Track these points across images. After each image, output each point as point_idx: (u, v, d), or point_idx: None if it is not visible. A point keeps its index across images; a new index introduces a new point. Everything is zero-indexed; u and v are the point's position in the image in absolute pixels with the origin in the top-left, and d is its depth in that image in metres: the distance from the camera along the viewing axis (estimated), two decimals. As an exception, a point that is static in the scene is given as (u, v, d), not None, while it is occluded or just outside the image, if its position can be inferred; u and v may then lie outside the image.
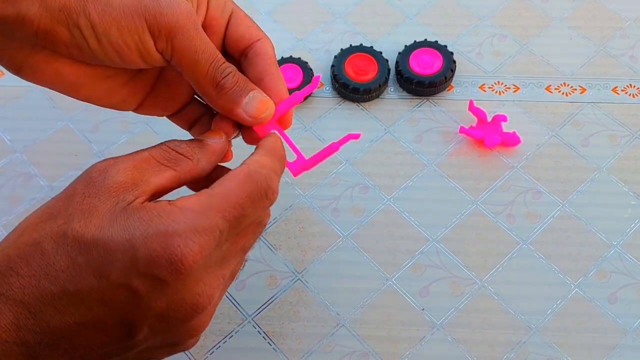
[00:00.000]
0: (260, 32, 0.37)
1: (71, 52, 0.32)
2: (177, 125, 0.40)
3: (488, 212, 0.48)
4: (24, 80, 0.35)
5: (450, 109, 0.53)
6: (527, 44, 0.56)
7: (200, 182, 0.34)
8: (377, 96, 0.53)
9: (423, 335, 0.44)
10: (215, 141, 0.34)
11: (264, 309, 0.45)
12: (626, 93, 0.54)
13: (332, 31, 0.57)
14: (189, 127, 0.40)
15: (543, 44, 0.56)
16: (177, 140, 0.33)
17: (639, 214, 0.48)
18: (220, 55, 0.33)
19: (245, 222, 0.31)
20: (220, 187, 0.30)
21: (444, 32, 0.57)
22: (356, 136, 0.36)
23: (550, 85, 0.54)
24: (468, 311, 0.44)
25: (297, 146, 0.37)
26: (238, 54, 0.37)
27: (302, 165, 0.36)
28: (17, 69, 0.34)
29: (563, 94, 0.54)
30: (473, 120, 0.52)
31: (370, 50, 0.54)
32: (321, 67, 0.55)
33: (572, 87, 0.54)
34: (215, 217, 0.29)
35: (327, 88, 0.54)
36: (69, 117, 0.53)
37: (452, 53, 0.53)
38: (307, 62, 0.54)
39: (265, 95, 0.35)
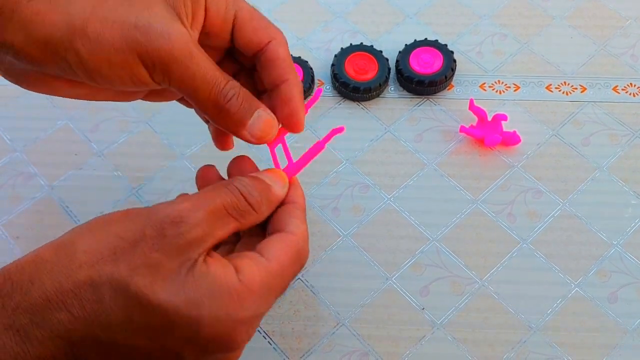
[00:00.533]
0: (271, 31, 0.35)
1: (63, 77, 0.32)
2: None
3: (488, 212, 0.48)
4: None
5: (450, 108, 0.53)
6: (528, 42, 0.56)
7: None
8: (378, 95, 0.53)
9: (423, 335, 0.44)
10: (279, 190, 0.34)
11: (264, 308, 0.45)
12: (627, 92, 0.53)
13: (332, 30, 0.57)
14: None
15: (543, 42, 0.56)
16: (249, 182, 0.33)
17: (640, 213, 0.48)
18: (221, 77, 0.32)
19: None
20: (276, 262, 0.31)
21: (445, 31, 0.57)
22: (340, 130, 0.37)
23: (550, 85, 0.54)
24: (468, 310, 0.44)
25: (289, 150, 0.37)
26: (251, 55, 0.36)
27: (292, 169, 0.36)
28: (15, 81, 0.34)
29: (563, 93, 0.54)
30: (473, 119, 0.52)
31: (370, 49, 0.54)
32: (321, 66, 0.55)
33: (572, 86, 0.54)
34: (273, 299, 0.31)
35: (328, 87, 0.54)
36: (68, 117, 0.53)
37: (452, 52, 0.53)
38: (307, 61, 0.54)
39: (270, 113, 0.34)
